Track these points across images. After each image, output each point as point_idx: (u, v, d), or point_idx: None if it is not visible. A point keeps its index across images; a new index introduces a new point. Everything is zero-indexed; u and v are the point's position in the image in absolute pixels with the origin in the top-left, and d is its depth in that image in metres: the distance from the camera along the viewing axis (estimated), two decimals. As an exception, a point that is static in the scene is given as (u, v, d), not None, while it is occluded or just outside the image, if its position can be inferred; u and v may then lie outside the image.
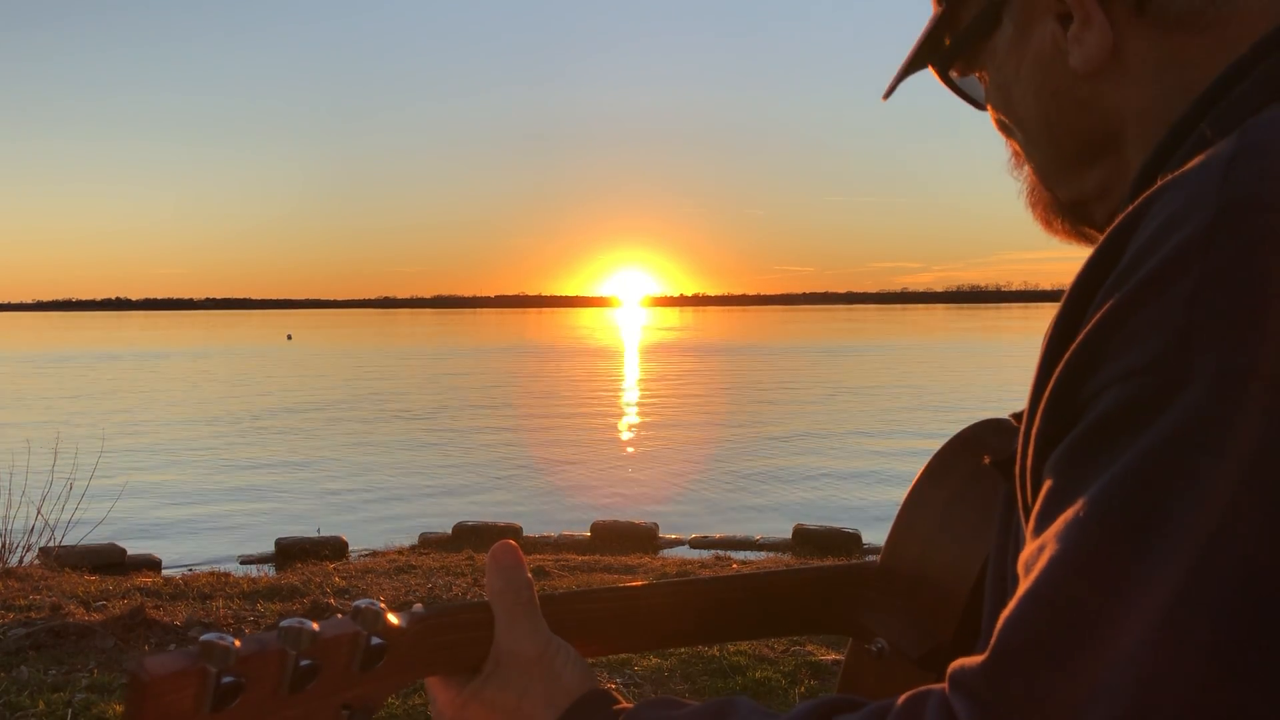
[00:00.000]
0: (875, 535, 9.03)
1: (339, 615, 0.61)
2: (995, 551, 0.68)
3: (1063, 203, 0.71)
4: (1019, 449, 0.55)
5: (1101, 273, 0.49)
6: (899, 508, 0.87)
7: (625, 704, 0.67)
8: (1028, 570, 0.47)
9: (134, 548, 9.01)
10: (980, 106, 0.76)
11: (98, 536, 8.48)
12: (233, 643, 0.53)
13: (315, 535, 9.76)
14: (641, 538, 9.62)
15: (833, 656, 4.52)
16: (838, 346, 54.46)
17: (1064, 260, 0.53)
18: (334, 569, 6.83)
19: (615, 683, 4.18)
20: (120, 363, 43.82)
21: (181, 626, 4.88)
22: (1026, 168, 0.74)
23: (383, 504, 12.27)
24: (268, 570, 8.41)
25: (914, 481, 0.87)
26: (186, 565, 8.77)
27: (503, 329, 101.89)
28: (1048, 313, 0.54)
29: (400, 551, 8.72)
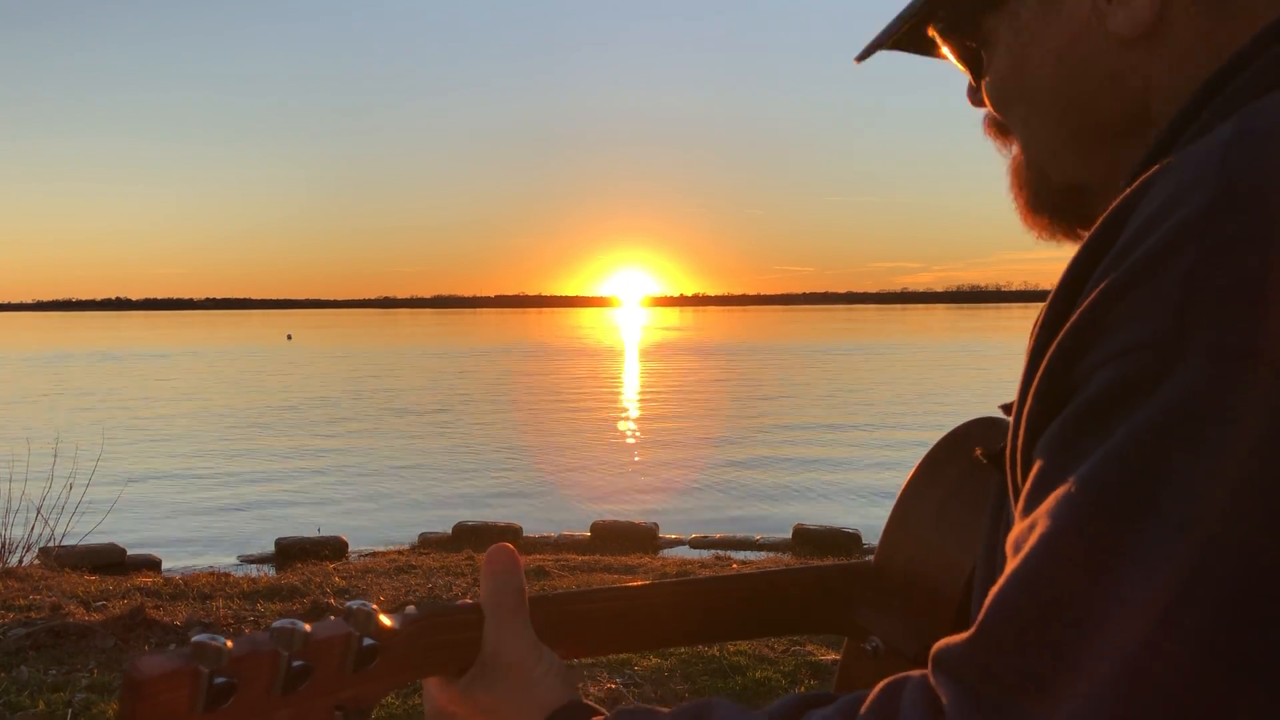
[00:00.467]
0: (875, 535, 8.96)
1: (332, 617, 0.61)
2: (987, 544, 0.67)
3: (1054, 186, 0.67)
4: (1010, 434, 0.54)
5: (1097, 254, 0.49)
6: (892, 506, 0.87)
7: (602, 713, 0.68)
8: (1017, 549, 0.47)
9: (134, 548, 9.02)
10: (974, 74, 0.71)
11: (98, 536, 8.48)
12: (225, 643, 0.53)
13: (315, 535, 9.77)
14: (641, 538, 9.63)
15: (832, 656, 4.52)
16: (838, 346, 54.48)
17: (1065, 261, 0.52)
18: (334, 569, 6.84)
19: (615, 682, 4.19)
20: (120, 363, 43.84)
21: (181, 626, 4.88)
22: (1015, 148, 0.69)
23: (383, 504, 12.28)
24: (268, 570, 8.42)
25: (907, 480, 0.87)
26: (186, 565, 8.78)
27: (503, 329, 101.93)
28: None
29: (400, 551, 8.73)
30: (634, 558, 7.60)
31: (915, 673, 0.53)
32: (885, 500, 11.60)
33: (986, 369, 33.79)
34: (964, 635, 0.48)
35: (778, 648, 4.64)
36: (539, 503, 12.26)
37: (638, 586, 0.80)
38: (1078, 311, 0.48)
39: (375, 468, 14.95)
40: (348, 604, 0.61)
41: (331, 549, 9.16)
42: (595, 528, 9.84)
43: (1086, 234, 0.51)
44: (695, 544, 9.88)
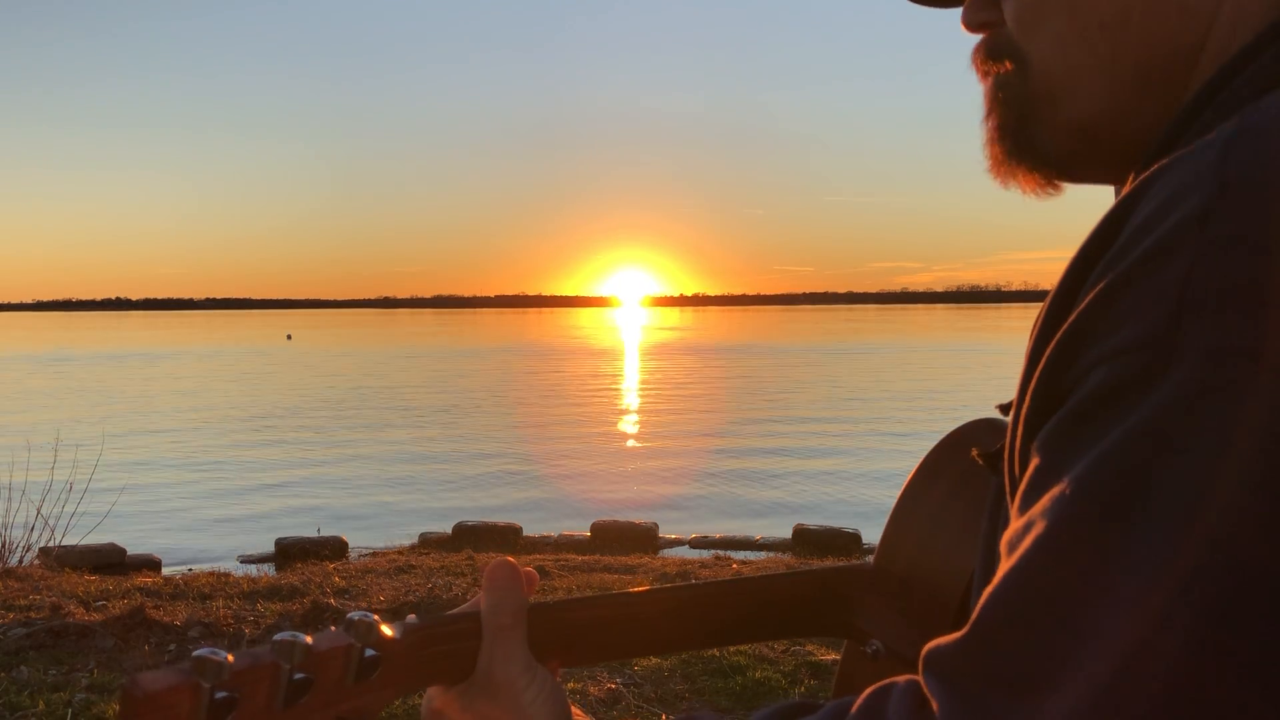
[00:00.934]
0: (875, 535, 8.96)
1: (332, 628, 0.61)
2: (984, 544, 0.67)
3: (1059, 122, 0.61)
4: (1008, 432, 0.54)
5: (1097, 253, 0.49)
6: (892, 508, 0.87)
7: None
8: (1011, 549, 0.47)
9: (134, 548, 9.01)
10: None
11: (98, 536, 8.48)
12: (226, 658, 0.53)
13: (315, 535, 9.77)
14: (641, 538, 9.63)
15: (832, 656, 4.52)
16: (837, 346, 54.47)
17: (1066, 261, 0.52)
18: (334, 569, 6.83)
19: (615, 683, 4.19)
20: (120, 363, 43.83)
21: (181, 626, 4.88)
22: (1006, 77, 0.63)
23: (383, 504, 12.28)
24: (268, 570, 8.41)
25: (907, 481, 0.87)
26: (186, 565, 8.78)
27: (503, 329, 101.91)
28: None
29: (400, 551, 8.73)
30: (634, 558, 7.60)
31: (903, 677, 0.53)
32: (885, 500, 11.60)
33: (986, 369, 33.79)
34: (955, 635, 0.48)
35: (778, 648, 4.64)
36: (539, 503, 12.25)
37: (638, 593, 0.79)
38: (1076, 311, 0.48)
39: (375, 468, 14.95)
40: (349, 615, 0.61)
41: (331, 549, 9.15)
42: (595, 528, 9.84)
43: (1057, 184, 0.48)
44: (695, 544, 9.88)
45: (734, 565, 7.59)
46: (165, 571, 8.20)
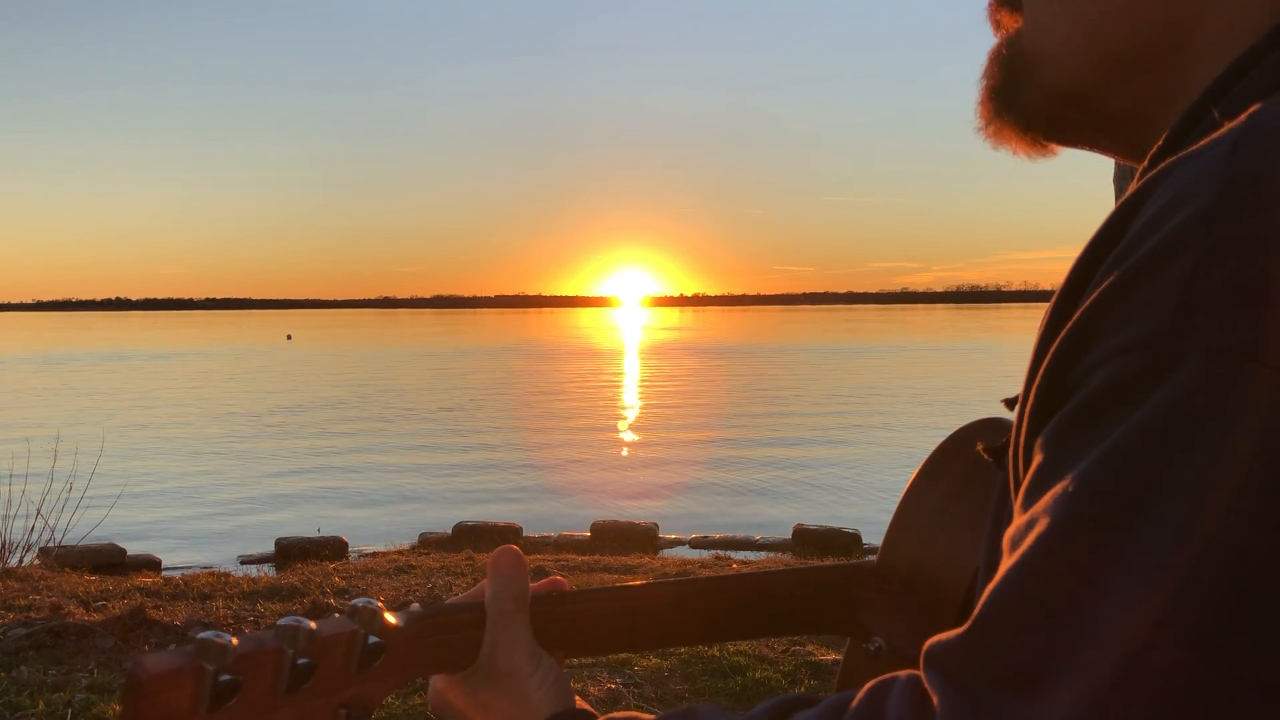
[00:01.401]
0: (875, 535, 9.03)
1: (336, 614, 0.61)
2: (989, 541, 0.67)
3: (1040, 83, 0.62)
4: (1013, 430, 0.54)
5: (1103, 252, 0.49)
6: (895, 506, 0.87)
7: (595, 716, 0.68)
8: (1014, 547, 0.47)
9: (134, 548, 9.01)
10: None
11: (98, 536, 8.49)
12: (230, 641, 0.53)
13: (315, 535, 9.76)
14: (641, 538, 9.63)
15: (833, 656, 4.52)
16: (837, 346, 54.47)
17: (1065, 260, 0.52)
18: (334, 569, 6.83)
19: (615, 682, 4.19)
20: (120, 363, 43.82)
21: (181, 626, 4.88)
22: (1005, 35, 0.64)
23: (383, 504, 12.28)
24: (268, 570, 8.42)
25: (910, 480, 0.87)
26: (186, 565, 8.78)
27: (503, 329, 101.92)
28: (1048, 312, 0.53)
29: (400, 551, 8.73)
30: (634, 558, 7.60)
31: (904, 672, 0.53)
32: (886, 500, 11.62)
33: (986, 369, 33.79)
34: (957, 632, 0.48)
35: (778, 648, 4.64)
36: (539, 502, 12.25)
37: (639, 586, 0.79)
38: (1081, 308, 0.48)
39: (375, 467, 14.94)
40: (353, 601, 0.61)
41: (331, 549, 9.15)
42: (595, 528, 9.84)
43: (1046, 145, 0.48)
44: (695, 544, 9.88)
45: (734, 565, 7.60)
46: (165, 572, 8.20)
